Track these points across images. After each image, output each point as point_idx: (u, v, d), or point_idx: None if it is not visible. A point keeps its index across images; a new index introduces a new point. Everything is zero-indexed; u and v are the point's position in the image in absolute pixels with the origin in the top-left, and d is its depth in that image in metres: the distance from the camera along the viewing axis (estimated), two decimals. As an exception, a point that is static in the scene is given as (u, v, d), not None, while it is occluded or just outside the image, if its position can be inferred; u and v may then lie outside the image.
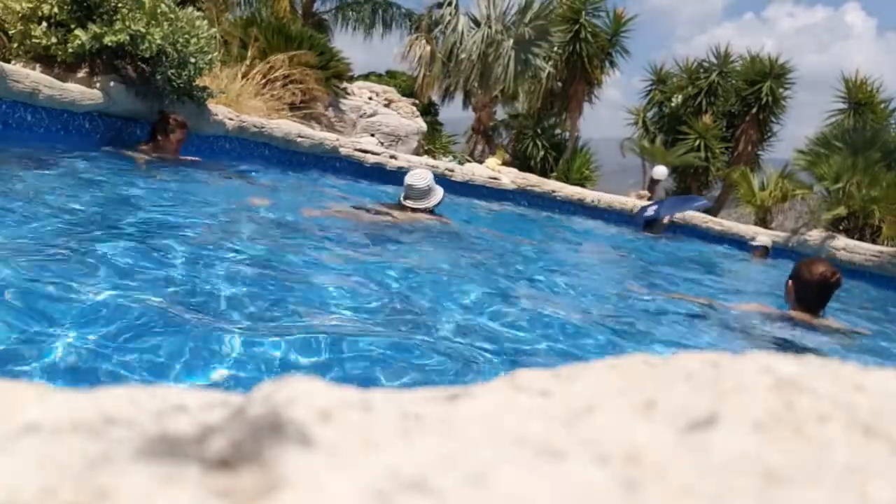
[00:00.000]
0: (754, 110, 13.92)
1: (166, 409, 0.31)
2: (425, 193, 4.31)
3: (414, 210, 4.27)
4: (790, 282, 3.25)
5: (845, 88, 12.88)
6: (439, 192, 4.38)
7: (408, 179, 4.32)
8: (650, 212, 8.14)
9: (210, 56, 5.16)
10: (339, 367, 1.76)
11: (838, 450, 0.29)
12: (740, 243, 8.33)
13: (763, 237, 7.82)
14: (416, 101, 11.85)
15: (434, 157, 10.64)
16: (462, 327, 2.31)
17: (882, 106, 12.68)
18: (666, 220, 8.18)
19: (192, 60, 4.94)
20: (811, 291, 3.14)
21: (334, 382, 0.34)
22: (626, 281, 4.28)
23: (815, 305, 3.17)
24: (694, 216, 8.99)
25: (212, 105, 5.56)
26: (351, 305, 2.32)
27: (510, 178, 8.65)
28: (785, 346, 2.90)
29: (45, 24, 4.54)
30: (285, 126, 6.39)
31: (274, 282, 2.42)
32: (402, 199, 4.35)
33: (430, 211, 4.34)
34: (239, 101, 6.71)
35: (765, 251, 7.40)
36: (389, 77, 17.94)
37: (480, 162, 10.58)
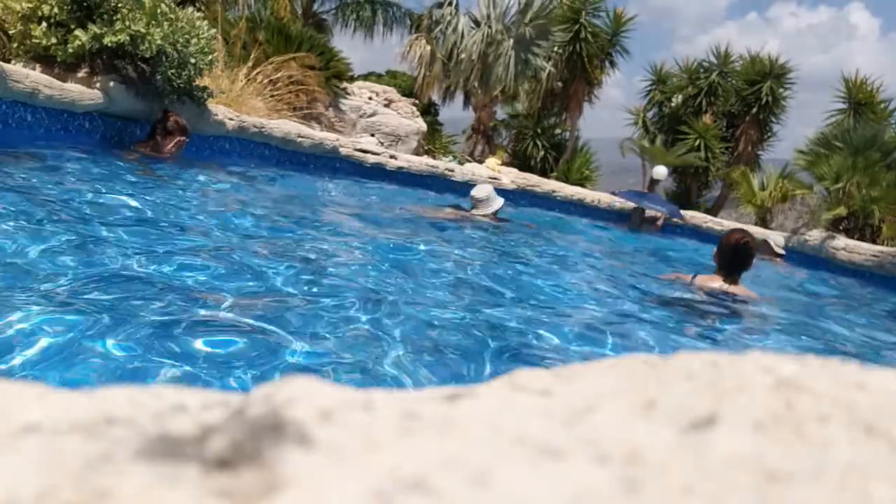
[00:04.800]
0: (754, 110, 13.91)
1: (166, 409, 0.31)
2: (484, 203, 5.51)
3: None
4: (715, 250, 3.74)
5: (845, 88, 12.87)
6: (499, 201, 5.57)
7: (472, 192, 5.61)
8: (628, 197, 8.33)
9: (210, 56, 5.15)
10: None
11: (839, 449, 0.29)
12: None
13: (775, 236, 7.84)
14: (416, 101, 11.84)
15: (434, 157, 10.63)
16: (462, 320, 2.31)
17: (882, 106, 12.67)
18: (660, 221, 8.23)
19: (193, 61, 4.93)
20: (727, 256, 3.62)
21: (337, 382, 0.34)
22: (625, 279, 4.28)
23: (730, 269, 3.63)
24: (694, 216, 9.04)
25: (212, 105, 5.55)
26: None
27: (510, 178, 8.66)
28: (692, 307, 3.34)
29: (45, 24, 4.53)
30: (285, 126, 6.38)
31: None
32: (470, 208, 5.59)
33: (494, 213, 5.52)
34: (239, 101, 6.71)
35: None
36: (389, 77, 17.93)
37: (480, 162, 10.58)
